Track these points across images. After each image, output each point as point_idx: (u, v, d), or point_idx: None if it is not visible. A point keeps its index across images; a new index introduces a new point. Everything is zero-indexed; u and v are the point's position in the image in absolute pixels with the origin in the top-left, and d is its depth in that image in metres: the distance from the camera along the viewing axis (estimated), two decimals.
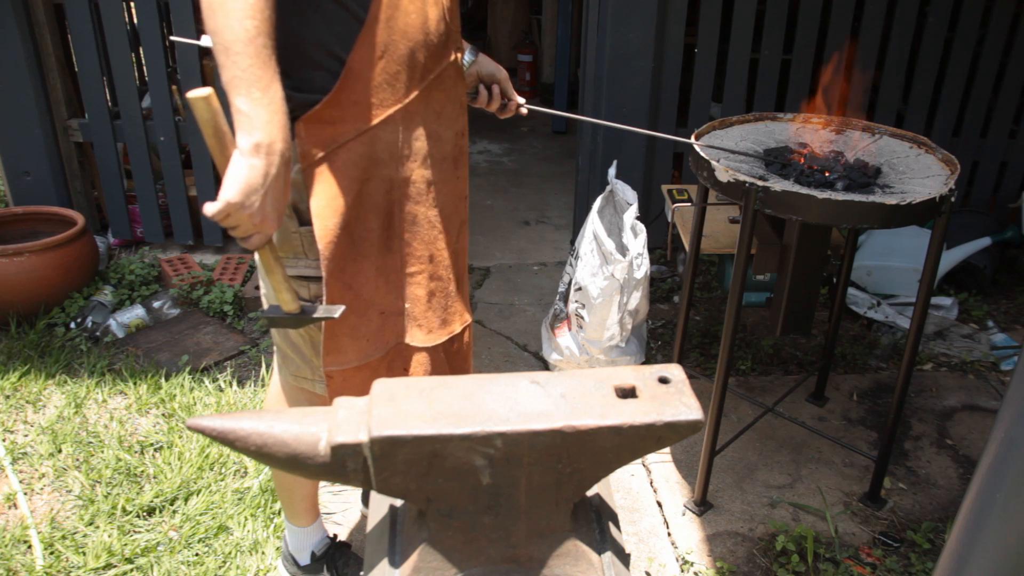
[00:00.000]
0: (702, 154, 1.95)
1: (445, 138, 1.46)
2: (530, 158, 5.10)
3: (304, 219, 1.37)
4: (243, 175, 1.14)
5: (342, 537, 2.11)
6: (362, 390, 1.45)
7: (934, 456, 2.47)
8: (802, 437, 2.52)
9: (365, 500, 2.21)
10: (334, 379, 1.45)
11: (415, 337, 1.51)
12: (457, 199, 1.54)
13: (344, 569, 1.92)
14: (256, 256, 1.35)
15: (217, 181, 3.49)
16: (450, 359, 1.60)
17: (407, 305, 1.49)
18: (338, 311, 1.34)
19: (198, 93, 1.11)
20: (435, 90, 1.43)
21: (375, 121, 1.34)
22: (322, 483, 2.14)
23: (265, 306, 1.46)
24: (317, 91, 1.29)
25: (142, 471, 2.27)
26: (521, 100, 1.74)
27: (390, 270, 1.45)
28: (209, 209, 1.15)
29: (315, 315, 1.34)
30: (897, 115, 3.57)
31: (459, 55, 1.51)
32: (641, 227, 2.56)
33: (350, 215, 1.35)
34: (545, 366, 2.87)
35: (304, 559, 1.91)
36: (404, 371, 1.53)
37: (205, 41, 1.60)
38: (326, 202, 1.32)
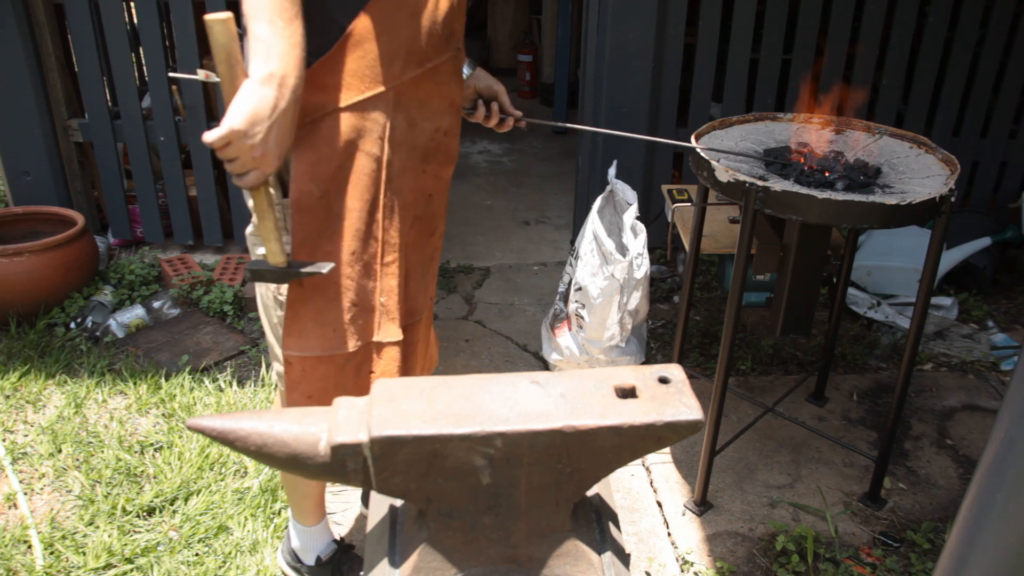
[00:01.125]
0: (702, 154, 1.95)
1: (421, 128, 1.43)
2: (530, 158, 5.10)
3: (288, 191, 1.33)
4: (252, 103, 1.11)
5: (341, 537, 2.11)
6: (322, 387, 1.40)
7: (934, 456, 2.47)
8: (802, 437, 2.52)
9: (365, 500, 2.21)
10: (293, 366, 1.39)
11: (388, 332, 1.45)
12: (417, 192, 1.49)
13: (349, 573, 1.92)
14: (249, 203, 1.29)
15: (218, 180, 3.50)
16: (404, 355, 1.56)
17: (382, 299, 1.43)
18: (327, 267, 1.30)
19: (217, 16, 1.09)
20: (427, 81, 1.40)
21: (366, 95, 1.31)
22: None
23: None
24: (312, 54, 1.25)
25: (142, 471, 2.27)
26: (519, 113, 1.72)
27: (369, 260, 1.40)
28: (209, 136, 1.11)
29: (303, 270, 1.29)
30: (897, 115, 3.57)
31: (460, 55, 1.50)
32: (641, 227, 2.56)
33: (330, 186, 1.31)
34: (545, 366, 2.87)
35: (309, 560, 1.90)
36: (371, 372, 1.47)
37: (202, 76, 1.58)
38: (306, 167, 1.29)
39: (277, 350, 1.53)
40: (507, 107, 1.70)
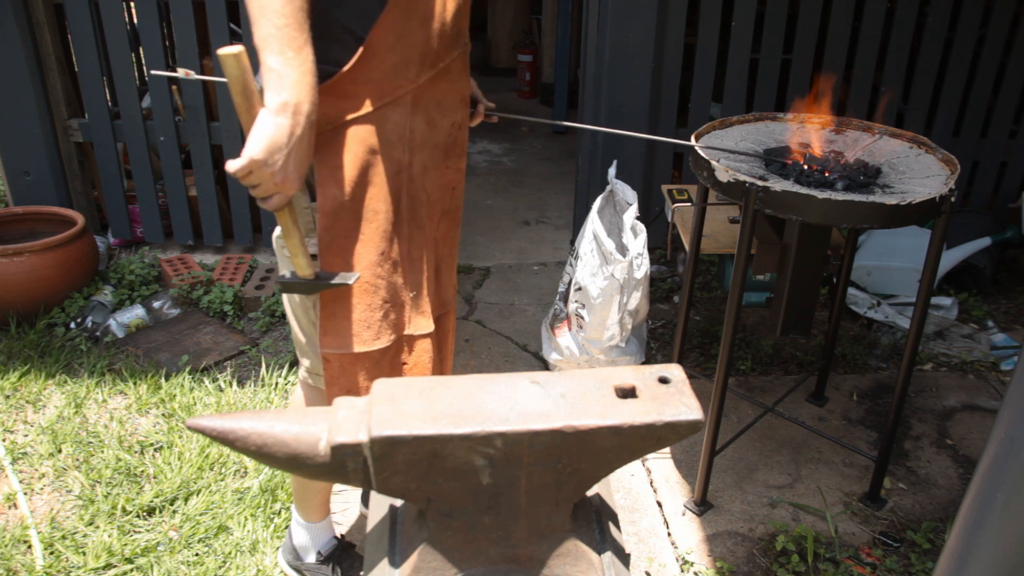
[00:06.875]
0: (702, 154, 1.95)
1: (440, 126, 1.48)
2: (530, 158, 5.10)
3: (316, 195, 1.38)
4: (268, 133, 1.16)
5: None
6: (359, 381, 1.44)
7: (934, 456, 2.47)
8: (802, 437, 2.52)
9: (365, 500, 2.21)
10: (331, 363, 1.44)
11: (418, 325, 1.51)
12: (442, 187, 1.55)
13: (349, 571, 1.92)
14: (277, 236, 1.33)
15: (218, 180, 3.50)
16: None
17: (411, 294, 1.49)
18: (353, 278, 1.35)
19: (229, 50, 1.12)
20: (441, 80, 1.45)
21: (386, 100, 1.35)
22: None
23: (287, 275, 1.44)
24: (331, 63, 1.30)
25: (142, 471, 2.27)
26: (491, 105, 1.74)
27: (397, 258, 1.45)
28: (232, 166, 1.15)
29: (331, 281, 1.35)
30: (897, 115, 3.57)
31: (467, 49, 1.53)
32: (641, 227, 2.55)
33: (355, 191, 1.36)
34: (545, 366, 2.87)
35: (310, 558, 1.91)
36: (404, 364, 1.52)
37: (182, 74, 1.62)
38: (329, 172, 1.33)
39: (308, 350, 1.57)
40: (480, 98, 1.72)
